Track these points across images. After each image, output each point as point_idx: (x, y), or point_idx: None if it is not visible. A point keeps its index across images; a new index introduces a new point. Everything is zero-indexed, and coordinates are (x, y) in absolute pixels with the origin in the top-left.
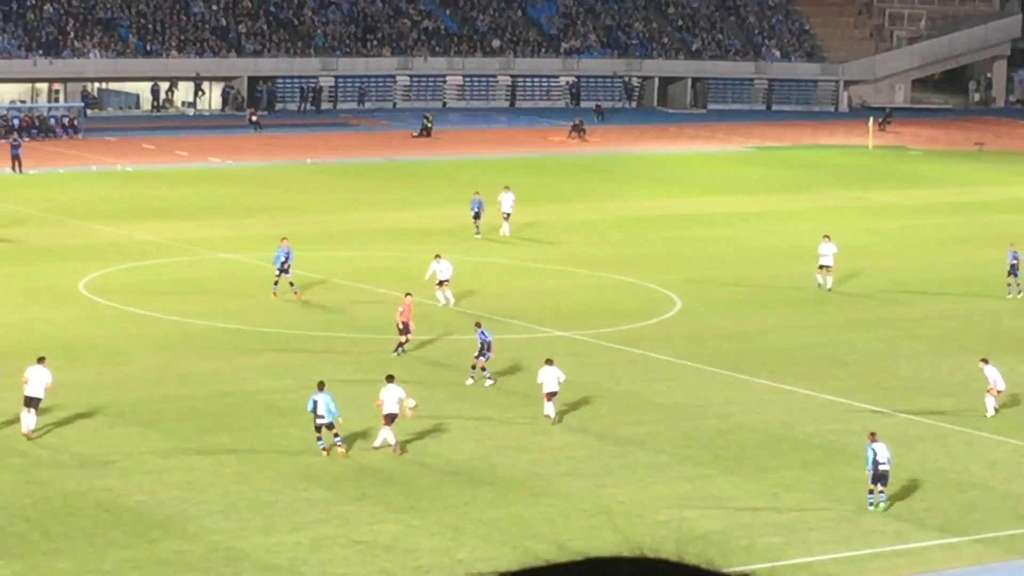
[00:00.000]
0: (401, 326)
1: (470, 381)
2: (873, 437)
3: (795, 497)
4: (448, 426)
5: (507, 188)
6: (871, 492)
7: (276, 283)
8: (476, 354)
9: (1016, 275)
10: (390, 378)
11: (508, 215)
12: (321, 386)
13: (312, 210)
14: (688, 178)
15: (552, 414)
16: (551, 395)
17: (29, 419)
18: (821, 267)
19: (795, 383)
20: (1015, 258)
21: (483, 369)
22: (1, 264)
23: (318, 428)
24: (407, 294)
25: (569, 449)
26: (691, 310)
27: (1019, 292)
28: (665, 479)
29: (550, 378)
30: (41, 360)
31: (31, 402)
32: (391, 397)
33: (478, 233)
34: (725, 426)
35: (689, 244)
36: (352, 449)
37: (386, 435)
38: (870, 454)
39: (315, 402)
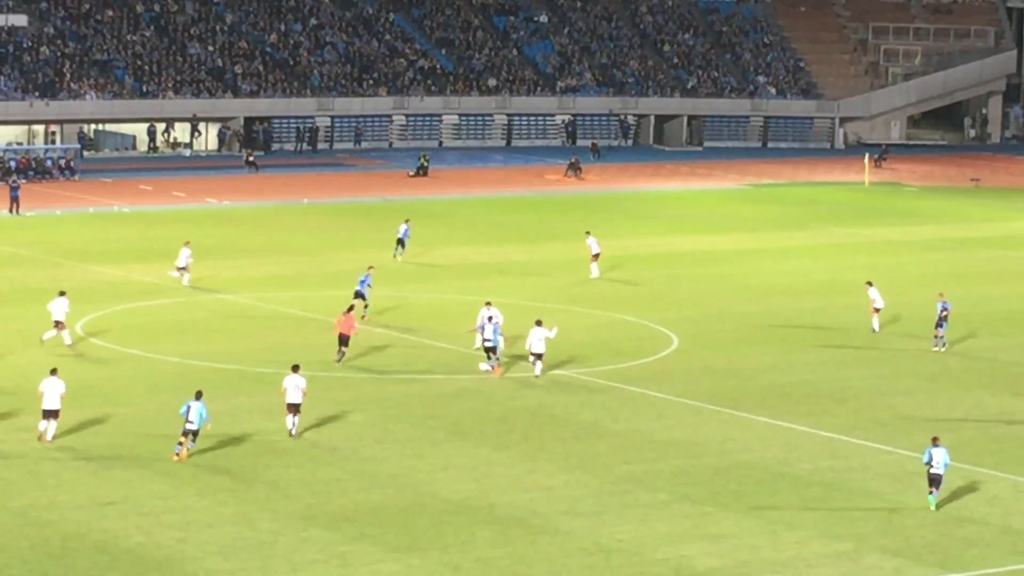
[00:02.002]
0: (339, 337)
1: (484, 366)
2: (935, 441)
3: (794, 534)
4: (447, 465)
5: (588, 233)
6: (930, 492)
7: (355, 308)
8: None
9: (943, 327)
10: (295, 368)
11: (598, 255)
12: (199, 395)
13: (309, 250)
14: (684, 216)
15: (538, 372)
16: (538, 356)
17: (49, 427)
18: (876, 310)
19: (793, 420)
20: (944, 309)
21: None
22: None
23: (184, 434)
24: (350, 307)
25: (568, 487)
26: (688, 348)
27: (943, 345)
28: (664, 517)
29: (537, 339)
30: (54, 372)
31: (49, 414)
32: (293, 385)
33: (396, 258)
34: (723, 464)
35: (686, 282)
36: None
37: (292, 421)
38: (926, 456)
39: (188, 407)
